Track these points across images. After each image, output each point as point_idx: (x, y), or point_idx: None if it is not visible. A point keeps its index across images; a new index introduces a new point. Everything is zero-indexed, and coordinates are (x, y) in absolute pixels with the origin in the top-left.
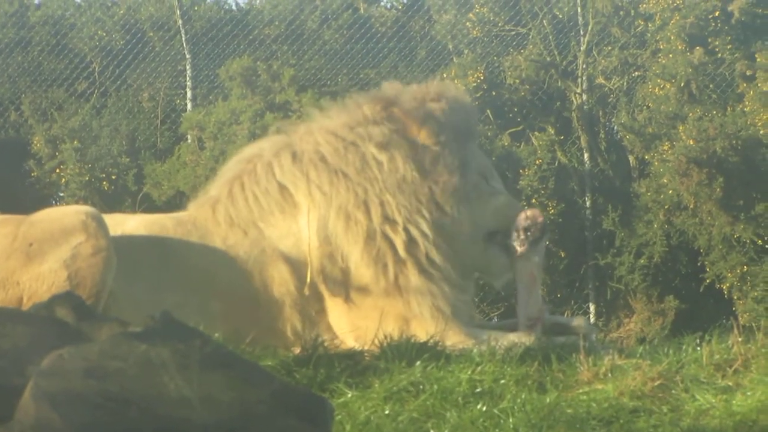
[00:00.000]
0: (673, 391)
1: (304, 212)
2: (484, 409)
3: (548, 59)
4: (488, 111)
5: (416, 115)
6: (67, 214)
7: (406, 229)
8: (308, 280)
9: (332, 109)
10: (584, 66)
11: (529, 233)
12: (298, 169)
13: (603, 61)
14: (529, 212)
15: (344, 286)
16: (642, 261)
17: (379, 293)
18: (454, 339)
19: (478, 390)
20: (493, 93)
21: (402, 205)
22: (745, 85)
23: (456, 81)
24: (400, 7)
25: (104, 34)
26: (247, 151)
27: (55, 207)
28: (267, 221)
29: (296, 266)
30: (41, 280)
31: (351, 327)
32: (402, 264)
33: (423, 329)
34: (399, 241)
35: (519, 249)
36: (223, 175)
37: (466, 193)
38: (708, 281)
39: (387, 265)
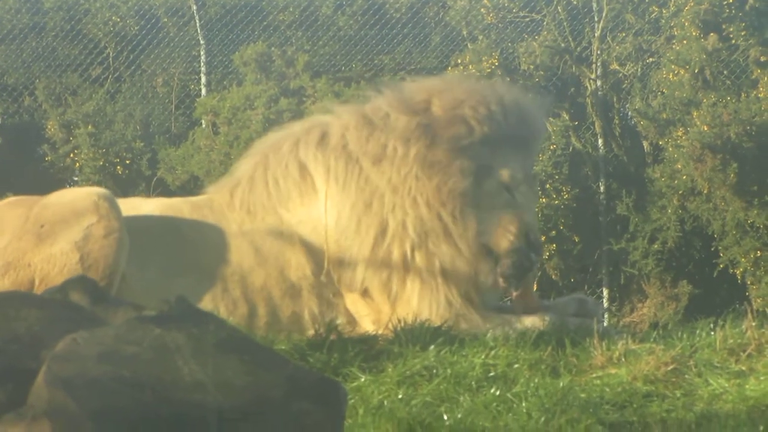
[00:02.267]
0: (687, 376)
1: (321, 198)
2: (498, 393)
3: (562, 45)
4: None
5: (447, 116)
6: (79, 195)
7: (412, 231)
8: (326, 267)
9: (385, 87)
10: (598, 52)
11: (513, 274)
12: (321, 153)
13: (617, 47)
14: (514, 257)
15: (356, 282)
16: (656, 246)
17: (387, 295)
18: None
19: (491, 374)
20: (508, 79)
21: (410, 206)
22: (759, 71)
23: (470, 67)
24: None
25: (118, 19)
26: (284, 129)
27: (67, 189)
28: (286, 206)
29: (314, 251)
30: (53, 261)
31: (367, 312)
32: (406, 270)
33: None
34: (407, 246)
35: (514, 293)
36: (253, 152)
37: (476, 199)
38: (721, 266)
39: (391, 273)
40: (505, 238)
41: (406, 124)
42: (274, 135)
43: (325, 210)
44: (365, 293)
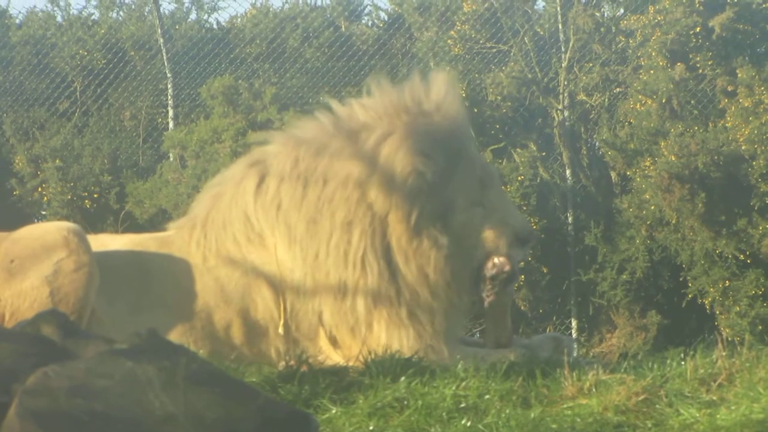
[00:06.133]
0: (658, 406)
1: (272, 250)
2: (469, 424)
3: (530, 76)
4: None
5: (394, 200)
6: (49, 230)
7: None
8: (280, 330)
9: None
10: (566, 82)
11: (496, 282)
12: (260, 205)
13: (584, 77)
14: (496, 260)
15: (321, 333)
16: (624, 276)
17: (356, 338)
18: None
19: (462, 405)
20: (475, 110)
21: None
22: (726, 100)
23: None
24: (381, 25)
25: (85, 53)
26: (229, 168)
27: (36, 224)
28: (246, 248)
29: (279, 291)
30: (23, 296)
31: (334, 351)
32: (372, 316)
33: None
34: (369, 300)
35: (487, 299)
36: (203, 193)
37: (455, 237)
38: (690, 296)
39: (356, 323)
40: (492, 246)
41: (347, 208)
42: (221, 176)
43: (277, 265)
44: (334, 341)
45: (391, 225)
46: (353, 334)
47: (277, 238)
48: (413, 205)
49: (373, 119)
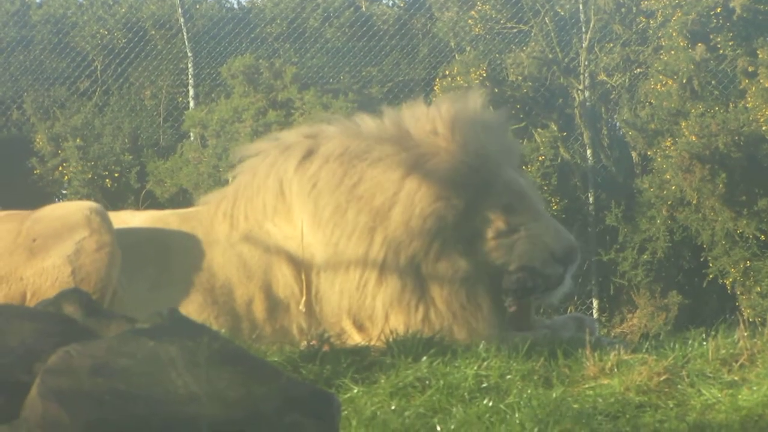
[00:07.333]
0: (679, 386)
1: (299, 225)
2: (491, 404)
3: (550, 56)
4: (491, 108)
5: (411, 233)
6: (71, 210)
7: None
8: (301, 307)
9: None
10: (586, 63)
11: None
12: (297, 178)
13: (605, 57)
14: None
15: (342, 314)
16: (645, 256)
17: (373, 324)
18: None
19: (484, 385)
20: (496, 90)
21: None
22: (747, 81)
23: (458, 78)
24: (401, 5)
25: (106, 32)
26: (282, 133)
27: (58, 203)
28: (272, 220)
29: (301, 268)
30: (45, 275)
31: (360, 332)
32: (387, 316)
33: None
34: (390, 290)
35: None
36: (250, 150)
37: (480, 264)
38: (711, 276)
39: (373, 314)
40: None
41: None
42: (275, 135)
43: (302, 242)
44: (358, 323)
45: (413, 247)
46: (372, 321)
47: (304, 214)
48: (434, 240)
49: (417, 134)
